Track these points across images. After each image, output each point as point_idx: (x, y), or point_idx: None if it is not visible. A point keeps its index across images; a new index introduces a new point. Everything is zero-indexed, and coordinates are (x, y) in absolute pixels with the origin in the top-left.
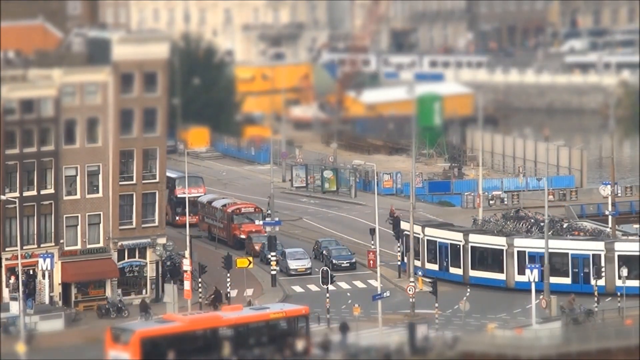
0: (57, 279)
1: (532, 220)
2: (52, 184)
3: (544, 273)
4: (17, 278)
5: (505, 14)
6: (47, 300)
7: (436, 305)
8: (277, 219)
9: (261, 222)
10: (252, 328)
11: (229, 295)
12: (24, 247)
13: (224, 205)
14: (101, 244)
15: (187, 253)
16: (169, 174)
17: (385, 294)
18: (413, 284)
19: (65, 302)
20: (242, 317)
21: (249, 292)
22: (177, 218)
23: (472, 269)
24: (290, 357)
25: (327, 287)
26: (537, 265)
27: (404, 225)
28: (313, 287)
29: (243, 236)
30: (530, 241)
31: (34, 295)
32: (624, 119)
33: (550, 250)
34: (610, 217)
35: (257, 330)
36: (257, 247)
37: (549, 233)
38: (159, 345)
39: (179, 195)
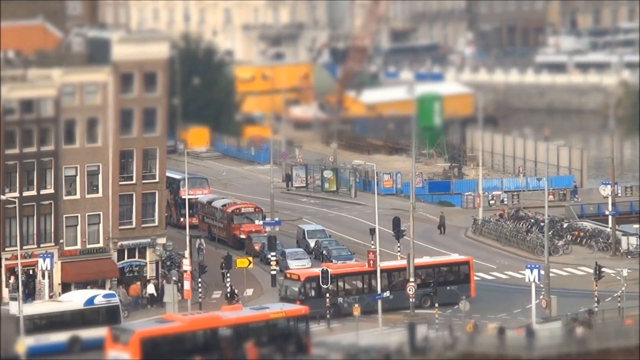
0: (57, 279)
1: (532, 220)
2: (52, 184)
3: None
4: (17, 278)
5: (505, 14)
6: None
7: (436, 305)
8: (277, 219)
9: (261, 222)
10: (252, 328)
11: (228, 295)
12: (24, 247)
13: (224, 205)
14: (101, 244)
15: (187, 253)
16: (174, 175)
17: (385, 294)
18: (413, 284)
19: None
20: (242, 317)
21: (249, 292)
22: (182, 219)
23: None
24: (290, 357)
25: (327, 287)
26: (536, 265)
27: None
28: None
29: (243, 236)
30: None
31: (33, 295)
32: (624, 119)
33: None
34: (610, 217)
35: (257, 330)
36: (257, 247)
37: (549, 233)
38: (159, 345)
39: (183, 197)
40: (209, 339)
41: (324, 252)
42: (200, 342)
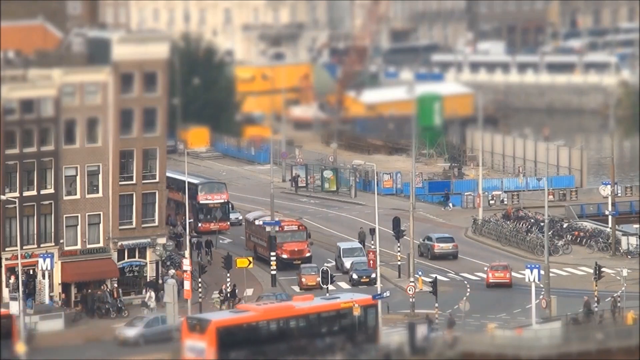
0: (57, 279)
1: (532, 220)
2: (52, 184)
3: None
4: (17, 278)
5: (505, 14)
6: (46, 300)
7: (436, 305)
8: (277, 219)
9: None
10: (324, 317)
11: (228, 295)
12: (24, 247)
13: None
14: (101, 244)
15: (187, 253)
16: (192, 179)
17: (385, 294)
18: (413, 284)
19: (66, 302)
20: (314, 307)
21: (249, 292)
22: (200, 225)
23: None
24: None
25: (327, 287)
26: (536, 265)
27: None
28: None
29: (285, 256)
30: None
31: (33, 295)
32: (624, 119)
33: None
34: (610, 217)
35: (328, 320)
36: (308, 281)
37: (549, 233)
38: (234, 334)
39: (201, 202)
40: (282, 328)
41: (354, 275)
42: (273, 332)
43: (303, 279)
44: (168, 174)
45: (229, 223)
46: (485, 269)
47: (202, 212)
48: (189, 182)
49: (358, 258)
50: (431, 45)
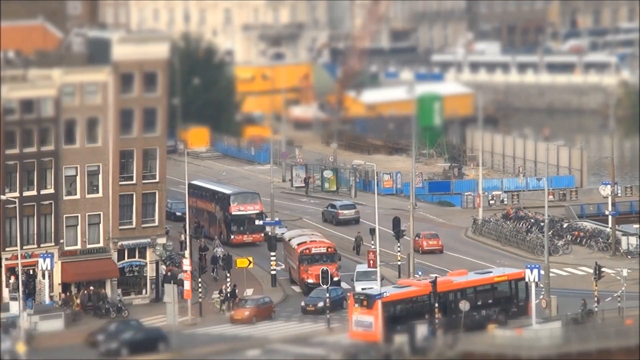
0: (57, 279)
1: (532, 220)
2: (52, 184)
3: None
4: (17, 278)
5: (505, 14)
6: (46, 300)
7: (436, 305)
8: (277, 219)
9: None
10: (479, 290)
11: (228, 294)
12: (24, 247)
13: (299, 244)
14: (101, 244)
15: (187, 253)
16: (224, 189)
17: (385, 294)
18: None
19: (66, 302)
20: (471, 281)
21: (249, 292)
22: (233, 237)
23: None
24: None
25: (327, 287)
26: (536, 265)
27: None
28: None
29: (311, 280)
30: None
31: (33, 295)
32: (624, 119)
33: None
34: (610, 217)
35: (483, 293)
36: (236, 315)
37: (549, 233)
38: (398, 308)
39: (234, 213)
40: (442, 302)
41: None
42: (433, 305)
43: (232, 312)
44: (199, 183)
45: (262, 235)
46: (416, 238)
47: (235, 223)
48: (220, 192)
49: (370, 282)
50: (411, 47)
